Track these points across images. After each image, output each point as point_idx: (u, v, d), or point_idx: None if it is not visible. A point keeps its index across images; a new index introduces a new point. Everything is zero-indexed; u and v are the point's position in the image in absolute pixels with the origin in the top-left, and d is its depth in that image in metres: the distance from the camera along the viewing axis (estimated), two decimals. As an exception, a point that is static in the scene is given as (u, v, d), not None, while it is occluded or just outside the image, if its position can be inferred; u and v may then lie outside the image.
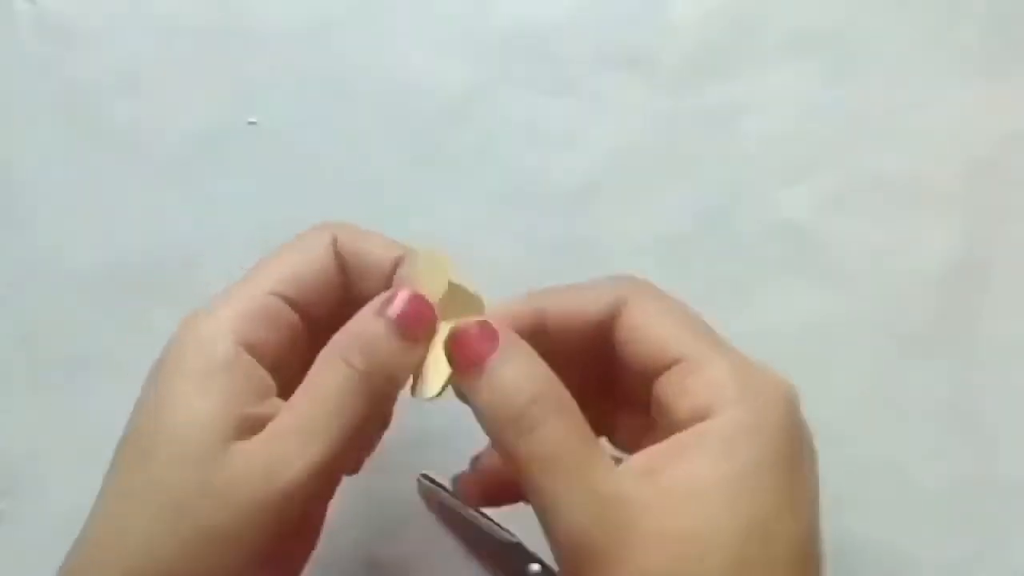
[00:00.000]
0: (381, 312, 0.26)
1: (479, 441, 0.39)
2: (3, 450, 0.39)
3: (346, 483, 0.39)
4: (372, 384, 0.25)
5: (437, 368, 0.26)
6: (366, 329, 0.25)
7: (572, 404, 0.24)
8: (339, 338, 0.26)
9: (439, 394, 0.26)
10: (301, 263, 0.27)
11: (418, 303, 0.26)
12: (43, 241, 0.41)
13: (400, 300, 0.26)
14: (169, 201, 0.41)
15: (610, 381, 0.28)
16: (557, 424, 0.23)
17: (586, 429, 0.24)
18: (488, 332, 0.25)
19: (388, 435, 0.39)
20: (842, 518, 0.38)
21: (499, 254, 0.41)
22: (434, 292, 0.27)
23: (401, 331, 0.25)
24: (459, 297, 0.27)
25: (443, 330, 0.26)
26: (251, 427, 0.24)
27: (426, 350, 0.26)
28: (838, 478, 0.39)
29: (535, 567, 0.37)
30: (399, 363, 0.25)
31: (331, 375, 0.25)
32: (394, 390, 0.26)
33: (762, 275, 0.40)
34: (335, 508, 0.39)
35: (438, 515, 0.38)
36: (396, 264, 0.28)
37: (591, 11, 0.42)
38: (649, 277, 0.40)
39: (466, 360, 0.25)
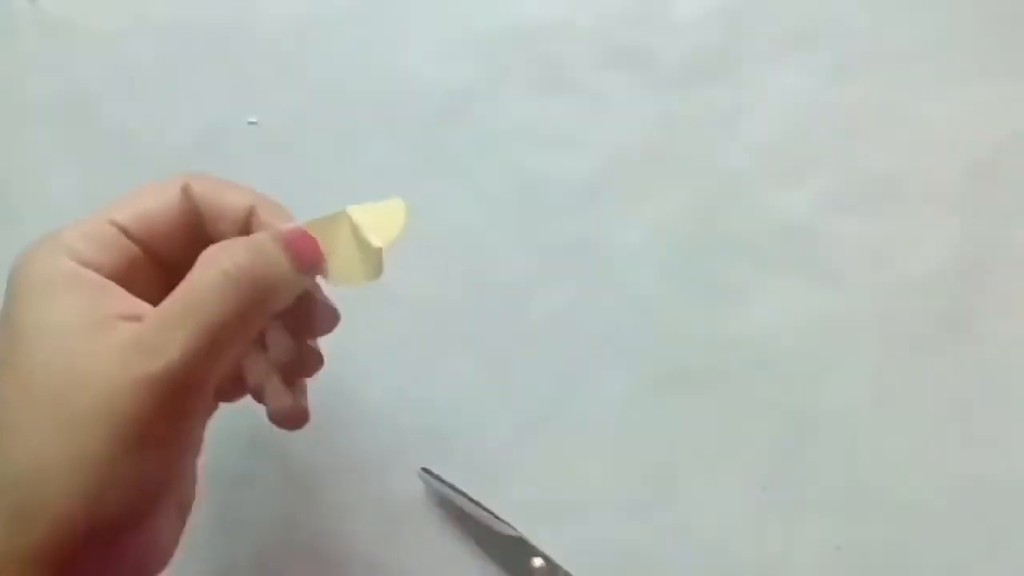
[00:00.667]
0: (273, 233, 0.28)
1: (479, 441, 0.39)
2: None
3: (346, 483, 0.39)
4: (244, 284, 0.26)
5: (351, 258, 0.30)
6: (252, 239, 0.28)
7: None
8: (221, 243, 0.27)
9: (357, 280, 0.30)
10: (144, 200, 0.29)
11: (308, 238, 0.29)
12: (43, 241, 0.41)
13: (293, 229, 0.29)
14: (169, 201, 0.41)
15: None
16: None
17: None
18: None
19: (387, 435, 0.39)
20: (842, 518, 0.38)
21: (499, 254, 0.41)
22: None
23: (288, 248, 0.28)
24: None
25: (349, 223, 0.30)
26: (107, 324, 0.26)
27: (305, 280, 0.29)
28: (838, 478, 0.39)
29: (538, 561, 0.37)
30: (277, 273, 0.28)
31: (202, 271, 0.26)
32: (267, 300, 0.27)
33: (762, 275, 0.40)
34: (334, 506, 0.39)
35: (439, 508, 0.38)
36: (250, 211, 0.30)
37: (591, 11, 0.42)
38: (649, 277, 0.40)
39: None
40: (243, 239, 0.28)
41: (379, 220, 0.31)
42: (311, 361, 0.32)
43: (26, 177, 0.41)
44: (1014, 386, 0.39)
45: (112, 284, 0.27)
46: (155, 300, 0.27)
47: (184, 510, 0.29)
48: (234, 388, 0.32)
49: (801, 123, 0.41)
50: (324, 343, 0.33)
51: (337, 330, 0.32)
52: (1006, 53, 0.41)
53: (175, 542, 0.29)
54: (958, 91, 0.41)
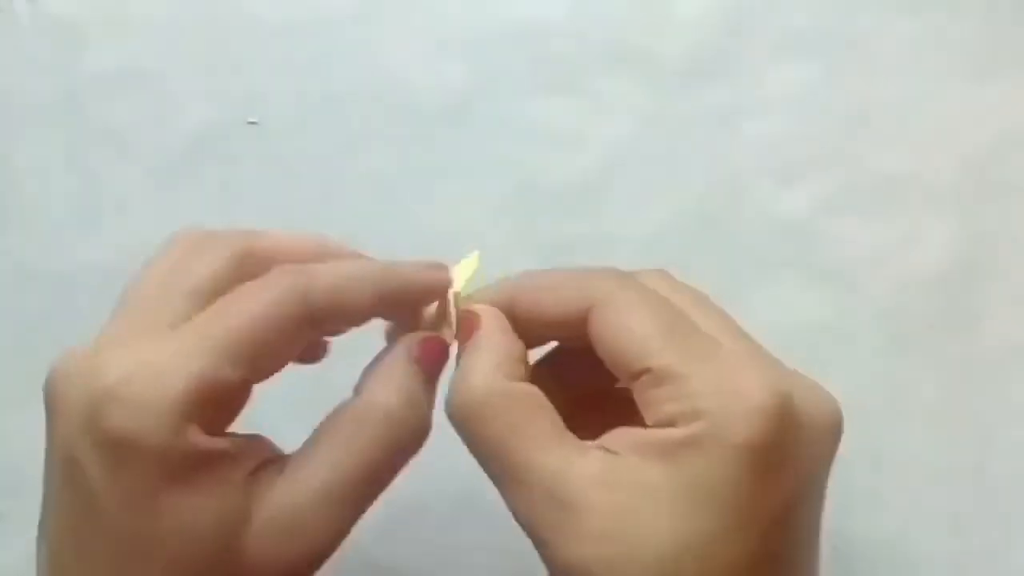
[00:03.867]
0: (411, 357, 0.26)
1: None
2: (4, 451, 0.39)
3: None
4: (403, 427, 0.25)
5: None
6: (406, 385, 0.26)
7: (526, 397, 0.25)
8: (375, 391, 0.25)
9: None
10: (264, 336, 0.23)
11: (440, 351, 0.27)
12: (43, 241, 0.41)
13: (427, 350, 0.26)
14: (169, 201, 0.41)
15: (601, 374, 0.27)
16: (506, 422, 0.24)
17: (540, 423, 0.24)
18: (469, 321, 0.26)
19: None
20: (842, 518, 0.38)
21: (499, 254, 0.40)
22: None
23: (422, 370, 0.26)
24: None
25: None
26: (259, 506, 0.23)
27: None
28: (837, 478, 0.39)
29: None
30: (425, 423, 0.26)
31: (362, 425, 0.25)
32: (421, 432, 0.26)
33: (762, 275, 0.40)
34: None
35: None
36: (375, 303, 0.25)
37: (591, 11, 0.42)
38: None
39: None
40: (395, 384, 0.25)
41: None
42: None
43: (26, 177, 0.41)
44: (1014, 385, 0.39)
45: (249, 443, 0.24)
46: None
47: None
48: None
49: (801, 123, 0.41)
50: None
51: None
52: (1006, 53, 0.41)
53: None
54: (957, 91, 0.41)
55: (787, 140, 0.41)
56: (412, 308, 0.28)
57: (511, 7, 0.42)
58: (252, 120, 0.41)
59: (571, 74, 0.41)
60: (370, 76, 0.42)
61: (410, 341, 0.26)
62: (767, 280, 0.40)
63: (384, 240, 0.42)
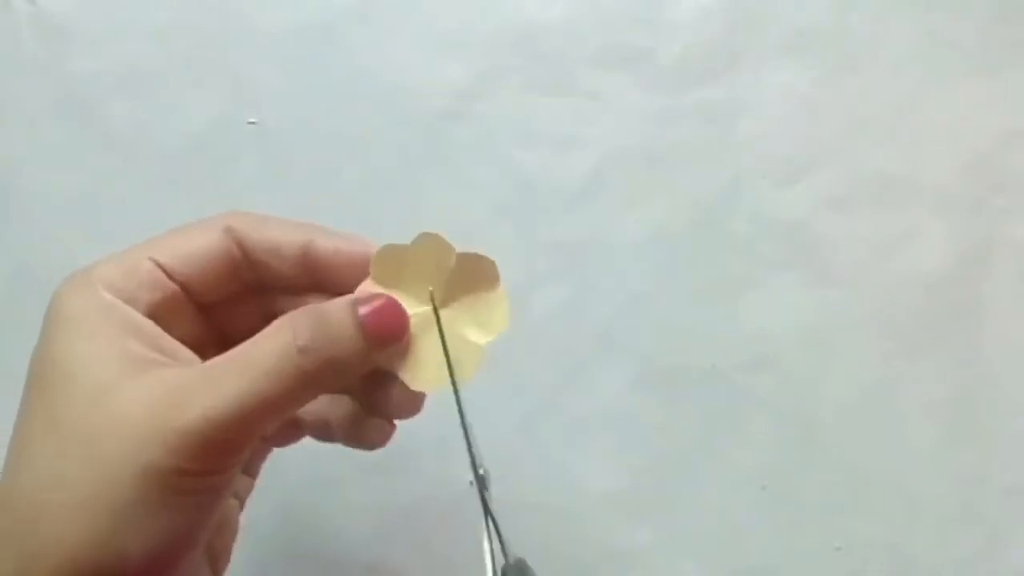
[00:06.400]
0: (353, 306, 0.26)
1: (477, 440, 0.39)
2: (4, 450, 0.39)
3: (345, 483, 0.39)
4: (309, 362, 0.25)
5: (439, 359, 0.26)
6: (329, 312, 0.26)
7: None
8: (298, 311, 0.26)
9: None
10: (185, 239, 0.28)
11: (394, 312, 0.27)
12: (43, 241, 0.41)
13: (377, 302, 0.26)
14: (169, 201, 0.41)
15: None
16: None
17: None
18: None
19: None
20: (842, 518, 0.38)
21: (499, 254, 0.40)
22: (430, 277, 0.27)
23: (366, 330, 0.26)
24: (469, 266, 0.27)
25: (454, 316, 0.27)
26: (143, 365, 0.25)
27: (385, 355, 0.27)
28: (838, 478, 0.39)
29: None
30: (348, 355, 0.26)
31: (271, 338, 0.25)
32: (333, 379, 0.26)
33: (761, 274, 0.40)
34: (334, 508, 0.39)
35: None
36: (305, 247, 0.28)
37: (591, 11, 0.42)
38: (648, 276, 0.40)
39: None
40: (317, 309, 0.26)
41: (476, 306, 0.26)
42: (371, 435, 0.30)
43: (26, 177, 0.41)
44: (1014, 384, 0.39)
45: (148, 322, 0.26)
46: (193, 342, 0.27)
47: (217, 559, 0.29)
48: (288, 434, 0.31)
49: (801, 123, 0.41)
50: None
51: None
52: (1006, 53, 0.41)
53: None
54: (956, 90, 0.41)
55: (786, 140, 0.41)
56: (339, 279, 0.28)
57: (510, 7, 0.42)
58: (252, 120, 0.41)
59: (570, 74, 0.41)
60: (370, 76, 0.42)
61: (362, 296, 0.27)
62: (766, 280, 0.40)
63: (383, 240, 0.42)
